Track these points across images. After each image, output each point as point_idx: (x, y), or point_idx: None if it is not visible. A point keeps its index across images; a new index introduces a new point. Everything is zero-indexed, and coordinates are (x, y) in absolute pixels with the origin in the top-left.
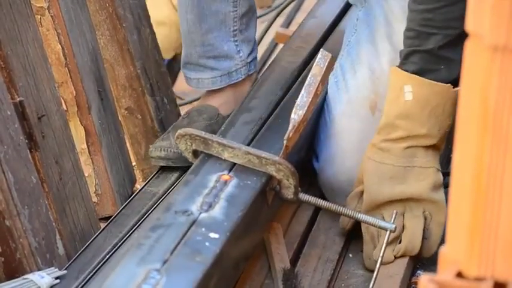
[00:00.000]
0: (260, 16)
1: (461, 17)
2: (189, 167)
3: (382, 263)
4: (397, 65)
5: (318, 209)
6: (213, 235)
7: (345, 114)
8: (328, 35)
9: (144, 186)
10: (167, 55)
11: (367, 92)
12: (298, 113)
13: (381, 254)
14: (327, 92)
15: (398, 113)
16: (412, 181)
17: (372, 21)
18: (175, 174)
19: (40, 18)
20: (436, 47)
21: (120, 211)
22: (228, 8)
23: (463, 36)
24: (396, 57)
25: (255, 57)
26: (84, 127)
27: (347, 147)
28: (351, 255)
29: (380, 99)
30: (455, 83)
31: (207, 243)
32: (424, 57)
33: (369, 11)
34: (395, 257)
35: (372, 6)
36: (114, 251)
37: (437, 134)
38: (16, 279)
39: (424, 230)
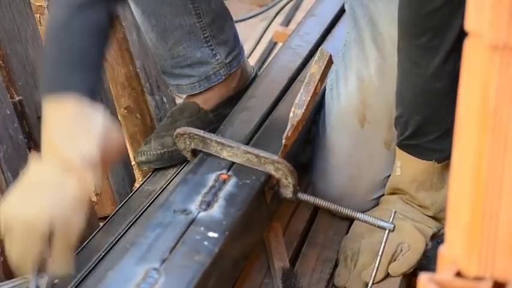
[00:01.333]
0: (259, 14)
1: (449, 115)
2: (182, 164)
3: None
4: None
5: (317, 208)
6: (211, 234)
7: (334, 127)
8: (328, 34)
9: (142, 185)
10: None
11: (356, 102)
12: (296, 112)
13: (380, 253)
14: (323, 96)
15: (392, 186)
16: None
17: (358, 18)
18: (172, 172)
19: (39, 17)
20: (426, 140)
21: (118, 210)
22: (192, 19)
23: (450, 130)
24: (383, 63)
25: (237, 54)
26: None
27: (336, 163)
28: None
29: (368, 110)
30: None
31: (205, 243)
32: (413, 147)
33: (352, 7)
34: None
35: (352, 2)
36: (111, 250)
37: (431, 207)
38: (15, 279)
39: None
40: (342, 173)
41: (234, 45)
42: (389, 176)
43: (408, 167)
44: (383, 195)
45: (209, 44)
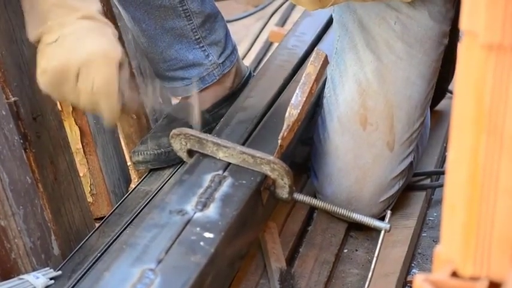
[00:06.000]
0: (254, 13)
1: None
2: (178, 164)
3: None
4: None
5: (313, 209)
6: (207, 235)
7: (337, 132)
8: (323, 34)
9: (137, 185)
10: None
11: (356, 106)
12: (292, 113)
13: (376, 254)
14: (319, 98)
15: None
16: None
17: (348, 24)
18: (168, 173)
19: None
20: None
21: (113, 211)
22: (182, 22)
23: None
24: (379, 65)
25: (230, 54)
26: (79, 127)
27: (342, 167)
28: (346, 253)
29: (369, 112)
30: None
31: (201, 243)
32: None
33: (340, 13)
34: None
35: (341, 7)
36: (107, 250)
37: None
38: (11, 280)
39: None
40: (348, 177)
41: (226, 45)
42: (394, 177)
43: None
44: (391, 196)
45: (201, 45)
